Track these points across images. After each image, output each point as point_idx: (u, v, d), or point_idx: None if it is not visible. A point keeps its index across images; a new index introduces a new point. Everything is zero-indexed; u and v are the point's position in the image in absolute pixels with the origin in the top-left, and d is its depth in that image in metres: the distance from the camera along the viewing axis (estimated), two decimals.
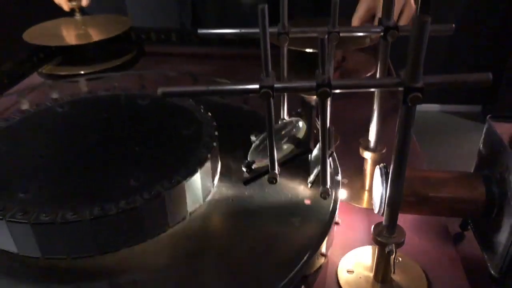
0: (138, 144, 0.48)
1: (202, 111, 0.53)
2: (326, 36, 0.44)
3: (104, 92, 0.60)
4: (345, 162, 0.54)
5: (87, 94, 0.60)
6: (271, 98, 0.35)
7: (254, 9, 0.98)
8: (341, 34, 0.44)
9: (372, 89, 0.43)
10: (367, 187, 0.55)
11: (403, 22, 0.75)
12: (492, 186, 0.44)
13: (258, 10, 0.34)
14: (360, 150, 0.53)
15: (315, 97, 0.55)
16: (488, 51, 2.46)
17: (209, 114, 0.51)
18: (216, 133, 0.47)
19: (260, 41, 0.35)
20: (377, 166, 0.45)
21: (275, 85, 0.35)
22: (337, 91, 0.34)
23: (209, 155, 0.44)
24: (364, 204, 0.53)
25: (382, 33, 0.43)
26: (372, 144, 0.52)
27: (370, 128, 0.51)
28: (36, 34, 0.91)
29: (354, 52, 0.84)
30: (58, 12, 0.99)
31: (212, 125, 0.49)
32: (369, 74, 0.80)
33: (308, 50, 0.71)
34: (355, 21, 0.76)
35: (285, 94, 0.52)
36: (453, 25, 0.44)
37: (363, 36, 0.72)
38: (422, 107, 2.62)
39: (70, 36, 0.92)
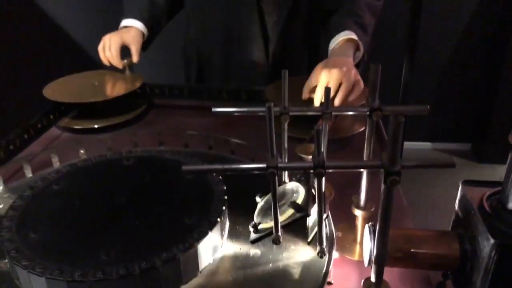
0: (155, 208, 0.55)
1: (214, 174, 0.60)
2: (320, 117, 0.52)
3: (124, 154, 0.67)
4: (339, 215, 0.61)
5: (112, 155, 0.67)
6: (276, 176, 0.42)
7: (254, 68, 1.08)
8: (333, 113, 0.52)
9: (359, 170, 0.51)
10: (358, 240, 0.61)
11: (339, 98, 0.82)
12: (465, 244, 0.51)
13: (266, 107, 0.41)
14: (352, 207, 0.60)
15: (310, 156, 0.63)
16: (478, 90, 2.57)
17: (220, 177, 0.58)
18: (226, 197, 0.54)
19: (267, 130, 0.42)
20: (366, 225, 0.52)
21: (279, 165, 0.42)
22: (330, 170, 0.41)
23: (219, 219, 0.51)
24: (356, 257, 0.59)
25: (368, 113, 0.51)
26: (362, 202, 0.59)
27: (360, 189, 0.59)
28: (55, 90, 0.99)
29: None
30: (77, 66, 1.08)
31: (222, 190, 0.56)
32: (360, 130, 0.88)
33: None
34: (304, 91, 0.86)
35: (286, 156, 0.60)
36: (428, 106, 0.52)
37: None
38: (414, 145, 2.71)
39: (85, 92, 1.00)
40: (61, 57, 1.59)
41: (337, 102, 0.80)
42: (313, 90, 0.84)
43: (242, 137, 0.79)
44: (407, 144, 2.61)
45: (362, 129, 0.87)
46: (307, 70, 1.15)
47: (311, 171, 0.42)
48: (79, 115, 1.00)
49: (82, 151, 0.78)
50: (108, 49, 1.03)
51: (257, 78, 1.12)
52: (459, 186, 0.55)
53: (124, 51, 1.06)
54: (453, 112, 2.66)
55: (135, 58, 1.06)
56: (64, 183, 0.61)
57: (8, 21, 1.50)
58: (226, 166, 0.43)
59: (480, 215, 0.49)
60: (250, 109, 0.53)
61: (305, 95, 0.85)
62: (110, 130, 0.95)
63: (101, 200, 0.58)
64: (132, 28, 1.08)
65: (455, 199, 0.56)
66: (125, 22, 1.09)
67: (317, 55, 1.17)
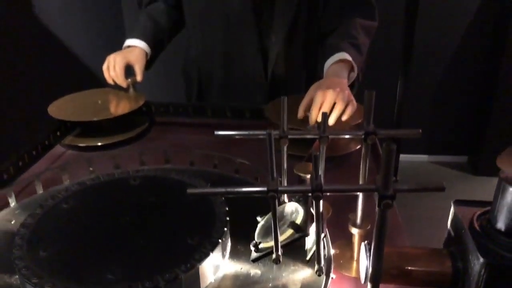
0: (159, 228, 0.57)
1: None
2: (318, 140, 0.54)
3: (131, 173, 0.69)
4: (337, 232, 0.64)
5: (119, 174, 0.69)
6: (276, 200, 0.44)
7: (254, 86, 1.11)
8: (330, 137, 0.54)
9: (355, 193, 0.54)
10: (355, 257, 0.64)
11: (333, 117, 0.85)
12: (457, 262, 0.53)
13: (266, 135, 0.44)
14: (349, 225, 0.62)
15: (309, 175, 0.65)
16: (474, 103, 2.61)
17: (222, 198, 0.61)
18: (228, 218, 0.57)
19: (268, 155, 0.45)
20: (362, 243, 0.54)
21: (279, 188, 0.44)
22: (327, 193, 0.44)
23: (220, 240, 0.53)
24: (353, 273, 0.62)
25: (363, 137, 0.54)
26: (358, 221, 0.61)
27: (357, 207, 0.61)
28: (60, 108, 1.02)
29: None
30: (81, 84, 1.11)
31: (224, 211, 0.58)
32: (356, 148, 0.91)
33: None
34: (300, 110, 0.89)
35: (286, 175, 0.62)
36: (420, 130, 0.54)
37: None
38: (411, 158, 2.75)
39: (89, 110, 1.03)
40: (65, 75, 1.62)
41: (331, 121, 0.83)
42: (308, 109, 0.87)
43: (244, 153, 0.81)
44: (404, 157, 2.64)
45: (358, 147, 0.90)
46: (305, 88, 1.18)
47: (310, 194, 0.44)
48: (83, 132, 1.02)
49: (91, 169, 0.81)
50: (112, 68, 1.06)
51: (257, 96, 1.15)
52: (455, 198, 0.57)
53: (128, 70, 1.09)
54: (449, 125, 2.70)
55: (139, 77, 1.09)
56: (73, 201, 0.63)
57: (12, 39, 1.53)
58: (229, 189, 0.45)
59: (471, 234, 0.52)
60: (251, 132, 0.55)
61: (300, 114, 0.88)
62: (113, 147, 0.97)
63: (108, 219, 0.60)
64: (136, 48, 1.11)
65: (449, 211, 0.58)
66: (129, 42, 1.13)
67: (314, 74, 1.20)
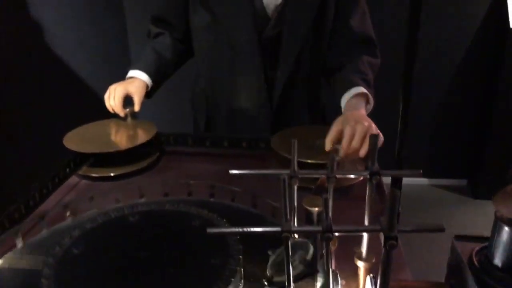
0: (174, 265, 0.61)
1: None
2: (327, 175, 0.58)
3: (133, 209, 0.73)
4: (343, 263, 0.67)
5: (126, 209, 0.73)
6: (289, 240, 0.48)
7: (259, 116, 1.16)
8: (337, 176, 0.58)
9: (362, 233, 0.58)
10: None
11: (364, 150, 0.89)
12: None
13: (281, 180, 0.48)
14: (355, 258, 0.65)
15: (316, 208, 0.69)
16: (473, 127, 2.66)
17: (237, 237, 0.64)
18: (241, 256, 0.60)
19: (281, 198, 0.49)
20: (368, 276, 0.58)
21: (292, 229, 0.48)
22: (336, 234, 0.48)
23: (232, 279, 0.56)
24: None
25: (368, 177, 0.58)
26: (364, 254, 0.65)
27: (362, 241, 0.64)
28: (74, 139, 1.06)
29: None
30: (95, 114, 1.15)
31: (238, 249, 0.62)
32: (361, 179, 0.95)
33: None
34: (327, 143, 0.92)
35: (295, 210, 0.66)
36: (421, 171, 0.58)
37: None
38: (411, 181, 2.78)
39: (104, 141, 1.07)
40: (78, 105, 1.68)
41: (362, 154, 0.88)
42: (336, 142, 0.90)
43: (246, 181, 0.84)
44: (405, 180, 2.67)
45: (361, 178, 0.94)
46: (308, 119, 1.23)
47: (320, 234, 0.48)
48: (96, 162, 1.06)
49: (118, 198, 0.85)
50: (112, 98, 1.12)
51: (262, 124, 1.20)
52: (454, 222, 0.61)
53: (128, 99, 1.14)
54: (449, 149, 2.74)
55: (136, 108, 1.14)
56: (92, 239, 0.66)
57: (25, 68, 1.59)
58: (245, 229, 0.49)
59: (470, 269, 0.55)
60: (264, 172, 0.60)
61: (328, 147, 0.91)
62: (125, 177, 1.01)
63: (123, 255, 0.63)
64: (137, 79, 1.17)
65: (451, 236, 0.61)
66: (131, 73, 1.18)
67: (317, 103, 1.25)
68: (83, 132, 1.11)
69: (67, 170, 0.99)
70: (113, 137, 1.10)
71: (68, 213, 0.82)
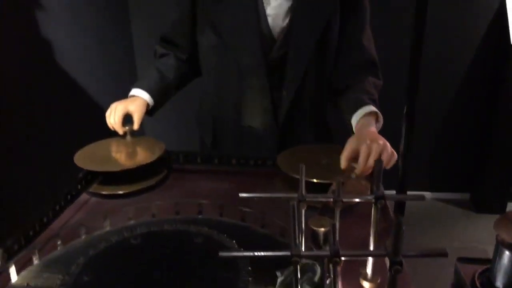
0: (185, 285, 0.63)
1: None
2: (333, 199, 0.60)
3: (162, 227, 0.75)
4: (349, 283, 0.69)
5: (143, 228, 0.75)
6: (299, 263, 0.50)
7: (265, 134, 1.18)
8: (344, 200, 0.61)
9: (368, 257, 0.60)
10: None
11: (388, 167, 0.91)
12: None
13: (290, 205, 0.50)
14: (360, 279, 0.68)
15: (323, 229, 0.71)
16: (475, 141, 2.68)
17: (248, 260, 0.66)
18: (250, 278, 0.62)
19: (291, 223, 0.51)
20: None
21: (302, 253, 0.50)
22: (343, 258, 0.50)
23: None
24: None
25: (373, 201, 0.60)
26: (369, 275, 0.67)
27: (367, 262, 0.67)
28: (85, 157, 1.09)
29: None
30: (105, 132, 1.18)
31: (247, 270, 0.64)
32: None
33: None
34: (343, 161, 0.94)
35: (303, 236, 0.68)
36: (424, 194, 0.61)
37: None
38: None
39: (114, 160, 1.10)
40: (86, 122, 1.71)
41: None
42: (351, 160, 0.93)
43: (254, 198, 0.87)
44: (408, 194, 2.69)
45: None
46: (314, 137, 1.25)
47: (328, 259, 0.50)
48: (105, 180, 1.08)
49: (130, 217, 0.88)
50: (113, 116, 1.15)
51: (268, 142, 1.22)
52: (457, 236, 0.63)
53: (130, 116, 1.18)
54: (452, 162, 2.76)
55: (135, 126, 1.18)
56: (107, 256, 0.69)
57: (34, 86, 1.63)
58: (256, 253, 0.51)
59: None
60: (273, 195, 0.62)
61: (344, 165, 0.93)
62: (134, 195, 1.04)
63: (138, 274, 0.66)
64: (138, 98, 1.20)
65: (454, 250, 0.63)
66: (134, 91, 1.22)
67: (322, 123, 1.28)
68: (93, 150, 1.14)
69: (79, 187, 1.01)
70: (122, 155, 1.12)
71: (82, 231, 0.84)
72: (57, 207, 0.93)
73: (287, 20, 1.10)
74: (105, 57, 2.23)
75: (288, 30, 1.11)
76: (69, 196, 0.97)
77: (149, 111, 1.24)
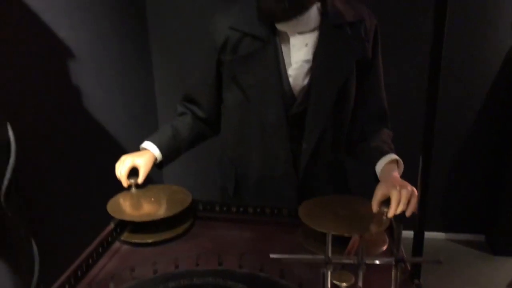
0: None
1: None
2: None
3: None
4: None
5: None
6: None
7: (286, 184, 1.25)
8: (367, 262, 0.66)
9: None
10: None
11: (410, 210, 1.03)
12: None
13: (321, 273, 0.56)
14: None
15: (345, 284, 0.76)
16: (489, 182, 2.70)
17: None
18: None
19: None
20: None
21: None
22: None
23: None
24: None
25: (393, 263, 0.65)
26: None
27: None
28: (117, 207, 1.16)
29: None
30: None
31: None
32: (384, 249, 1.01)
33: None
34: (374, 205, 1.07)
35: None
36: (441, 259, 0.66)
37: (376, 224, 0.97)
38: (428, 235, 2.77)
39: (144, 209, 1.16)
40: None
41: (408, 214, 1.02)
42: (381, 204, 1.07)
43: (274, 248, 0.94)
44: None
45: (384, 248, 1.00)
46: (333, 187, 1.31)
47: None
48: (135, 228, 1.14)
49: (155, 269, 0.92)
50: (120, 168, 1.22)
51: (289, 192, 1.28)
52: (473, 279, 0.67)
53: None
54: (466, 203, 2.76)
55: (140, 180, 1.23)
56: None
57: (63, 137, 1.74)
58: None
59: None
60: (302, 256, 0.68)
61: (375, 209, 1.07)
62: (163, 243, 1.10)
63: None
64: (148, 152, 1.26)
65: None
66: (145, 144, 1.29)
67: (340, 173, 1.34)
68: (125, 200, 1.21)
69: (110, 238, 1.08)
70: (152, 205, 1.19)
71: (111, 285, 0.90)
72: (90, 260, 0.99)
73: (307, 80, 1.19)
74: (130, 108, 2.33)
75: (308, 89, 1.19)
76: (100, 248, 1.04)
77: (158, 165, 1.29)
